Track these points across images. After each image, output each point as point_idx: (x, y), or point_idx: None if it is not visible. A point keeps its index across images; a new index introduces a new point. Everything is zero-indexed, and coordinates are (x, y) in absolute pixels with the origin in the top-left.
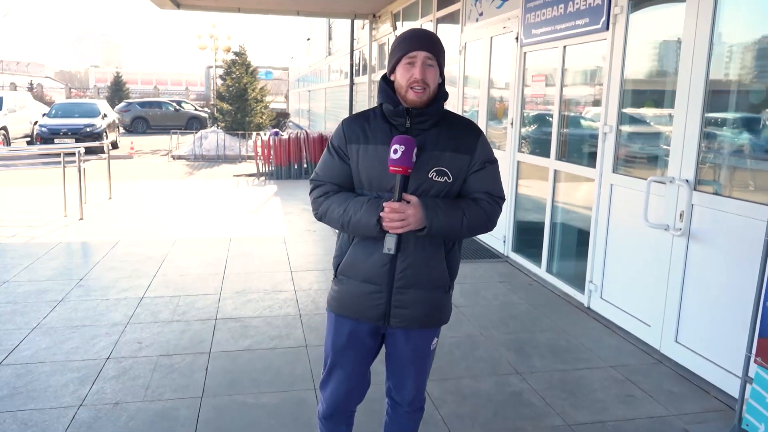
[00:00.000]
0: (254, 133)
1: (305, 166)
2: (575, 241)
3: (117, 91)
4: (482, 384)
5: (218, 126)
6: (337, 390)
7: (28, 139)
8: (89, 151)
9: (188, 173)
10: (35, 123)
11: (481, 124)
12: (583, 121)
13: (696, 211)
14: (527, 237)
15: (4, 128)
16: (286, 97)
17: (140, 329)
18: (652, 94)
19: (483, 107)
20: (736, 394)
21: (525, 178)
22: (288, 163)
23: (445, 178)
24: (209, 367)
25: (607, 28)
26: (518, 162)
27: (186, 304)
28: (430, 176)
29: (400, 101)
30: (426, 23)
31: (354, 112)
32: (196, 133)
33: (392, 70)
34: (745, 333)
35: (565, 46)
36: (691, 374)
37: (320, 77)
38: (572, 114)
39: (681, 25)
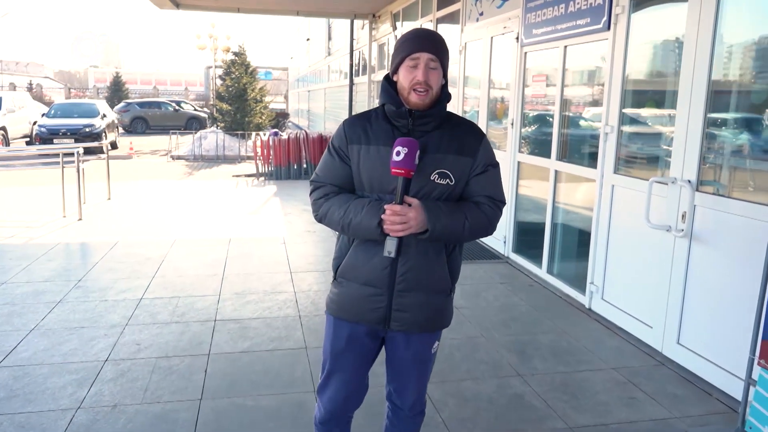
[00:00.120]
0: (254, 134)
1: (305, 166)
2: (576, 242)
3: (116, 91)
4: (483, 386)
5: (218, 126)
6: (335, 395)
7: (27, 139)
8: (88, 151)
9: (187, 173)
10: (34, 123)
11: (482, 124)
12: (583, 122)
13: (698, 212)
14: (528, 238)
15: (3, 128)
16: (286, 97)
17: (139, 331)
18: (654, 94)
19: (483, 107)
20: (739, 397)
21: (525, 179)
22: (287, 163)
23: (448, 180)
24: (208, 369)
25: (609, 28)
26: (519, 162)
27: (185, 305)
28: (432, 179)
29: (402, 102)
30: (426, 23)
31: (354, 113)
32: (196, 133)
33: (395, 70)
34: (747, 335)
35: (566, 46)
36: (694, 376)
37: (320, 77)
38: (573, 114)
39: (683, 25)
